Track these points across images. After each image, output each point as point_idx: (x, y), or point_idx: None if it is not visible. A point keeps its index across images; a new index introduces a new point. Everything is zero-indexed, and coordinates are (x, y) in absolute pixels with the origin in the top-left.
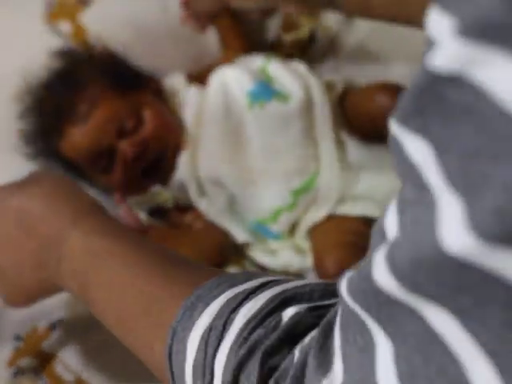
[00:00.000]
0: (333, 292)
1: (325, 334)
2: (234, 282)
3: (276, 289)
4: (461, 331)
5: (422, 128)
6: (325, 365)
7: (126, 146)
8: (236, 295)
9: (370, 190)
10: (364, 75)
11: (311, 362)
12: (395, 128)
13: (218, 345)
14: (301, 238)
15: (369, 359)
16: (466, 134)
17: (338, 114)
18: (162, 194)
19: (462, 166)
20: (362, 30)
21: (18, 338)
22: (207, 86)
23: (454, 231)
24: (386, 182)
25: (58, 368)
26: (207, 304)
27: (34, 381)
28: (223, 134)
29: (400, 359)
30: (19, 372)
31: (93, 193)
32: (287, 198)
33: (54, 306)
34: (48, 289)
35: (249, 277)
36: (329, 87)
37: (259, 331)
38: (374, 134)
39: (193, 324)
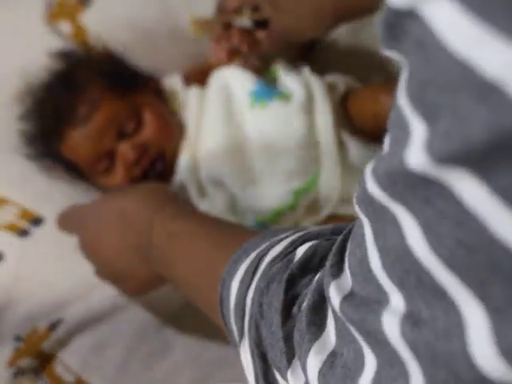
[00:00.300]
0: None
1: (340, 249)
2: (276, 233)
3: (301, 232)
4: (425, 242)
5: (398, 50)
6: (338, 269)
7: (126, 148)
8: (271, 242)
9: None
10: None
11: (327, 272)
12: (387, 53)
13: (249, 285)
14: None
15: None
16: (419, 64)
17: (339, 114)
18: None
19: (419, 91)
20: (365, 34)
21: (18, 338)
22: (206, 86)
23: (416, 152)
24: None
25: (58, 368)
26: (248, 254)
27: (34, 381)
28: (224, 134)
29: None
30: (19, 372)
31: (96, 193)
32: (288, 197)
33: (54, 305)
34: (152, 277)
35: (290, 228)
36: (331, 87)
37: (277, 265)
38: (376, 134)
39: (236, 271)
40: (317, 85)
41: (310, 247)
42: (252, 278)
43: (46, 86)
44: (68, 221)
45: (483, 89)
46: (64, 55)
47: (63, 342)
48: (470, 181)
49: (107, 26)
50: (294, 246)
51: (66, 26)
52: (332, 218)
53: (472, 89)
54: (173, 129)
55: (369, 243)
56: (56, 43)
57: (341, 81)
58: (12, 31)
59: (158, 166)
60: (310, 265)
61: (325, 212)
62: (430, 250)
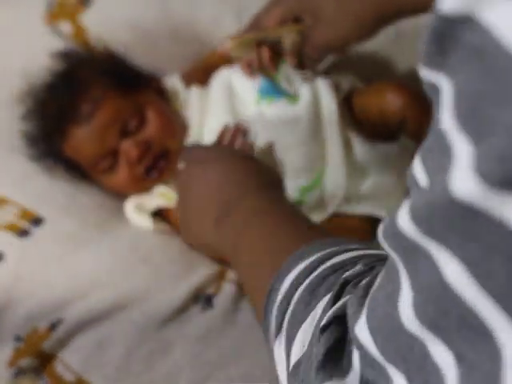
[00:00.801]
0: None
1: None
2: (349, 241)
3: (360, 251)
4: (469, 280)
5: (442, 66)
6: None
7: (129, 146)
8: (338, 249)
9: (375, 189)
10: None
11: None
12: (424, 73)
13: (301, 284)
14: None
15: (393, 298)
16: (475, 75)
17: (344, 112)
18: (166, 194)
19: (471, 107)
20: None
21: (18, 338)
22: (208, 85)
23: (462, 176)
24: (391, 181)
25: (59, 368)
26: (312, 255)
27: (34, 381)
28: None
29: (416, 297)
30: (20, 372)
31: (96, 193)
32: (294, 194)
33: (54, 306)
34: (213, 249)
35: (363, 243)
36: (335, 86)
37: (334, 275)
38: (382, 132)
39: (293, 268)
40: (322, 84)
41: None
42: (305, 279)
43: (48, 86)
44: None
45: None
46: (65, 55)
47: (63, 342)
48: None
49: (107, 26)
50: (368, 265)
51: (66, 26)
52: (336, 216)
53: None
54: (176, 127)
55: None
56: (56, 43)
57: (345, 80)
58: (12, 31)
59: (160, 164)
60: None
61: (330, 209)
62: (478, 287)
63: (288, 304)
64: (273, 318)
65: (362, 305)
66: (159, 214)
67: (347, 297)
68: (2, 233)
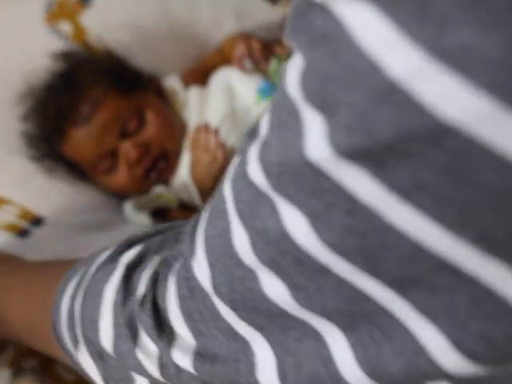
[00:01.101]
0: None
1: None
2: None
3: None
4: (309, 230)
5: (296, 45)
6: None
7: (128, 147)
8: (95, 255)
9: None
10: None
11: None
12: (288, 42)
13: (76, 295)
14: None
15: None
16: (323, 58)
17: None
18: (165, 195)
19: (319, 85)
20: None
21: None
22: (207, 86)
23: (316, 143)
24: None
25: (59, 368)
26: (77, 271)
27: (34, 381)
28: (227, 133)
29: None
30: (20, 372)
31: (96, 193)
32: None
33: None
34: None
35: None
36: None
37: (104, 269)
38: None
39: (65, 290)
40: None
41: (143, 247)
42: (78, 289)
43: (48, 87)
44: None
45: (388, 88)
46: (65, 55)
47: None
48: (365, 177)
49: (107, 26)
50: (120, 250)
51: (66, 26)
52: None
53: (376, 87)
54: (175, 128)
55: (234, 223)
56: (56, 43)
57: None
58: (12, 31)
59: (160, 165)
60: (145, 259)
61: None
62: (316, 236)
63: (72, 319)
64: (67, 341)
65: (193, 242)
66: (159, 214)
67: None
68: (1, 233)
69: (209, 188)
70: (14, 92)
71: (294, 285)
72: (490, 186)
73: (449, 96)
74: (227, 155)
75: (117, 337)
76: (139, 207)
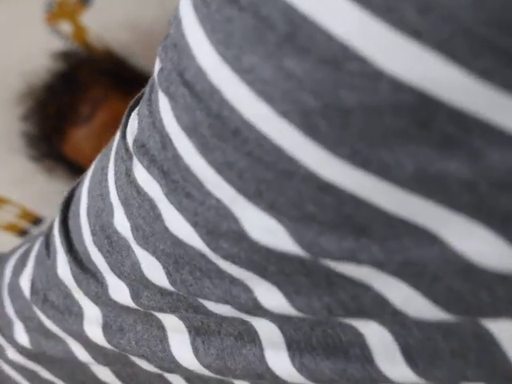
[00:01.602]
0: None
1: None
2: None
3: None
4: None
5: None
6: None
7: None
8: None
9: None
10: None
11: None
12: None
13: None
14: None
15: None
16: (171, 61)
17: None
18: None
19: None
20: None
21: None
22: None
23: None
24: None
25: None
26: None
27: None
28: None
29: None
30: None
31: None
32: None
33: None
34: None
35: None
36: None
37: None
38: None
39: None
40: None
41: None
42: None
43: (48, 87)
44: None
45: None
46: (65, 55)
47: None
48: None
49: (107, 26)
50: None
51: (66, 26)
52: None
53: None
54: None
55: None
56: (56, 43)
57: None
58: (12, 31)
59: None
60: None
61: None
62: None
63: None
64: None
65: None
66: None
67: None
68: (1, 233)
69: None
70: (14, 92)
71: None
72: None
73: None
74: None
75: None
76: None
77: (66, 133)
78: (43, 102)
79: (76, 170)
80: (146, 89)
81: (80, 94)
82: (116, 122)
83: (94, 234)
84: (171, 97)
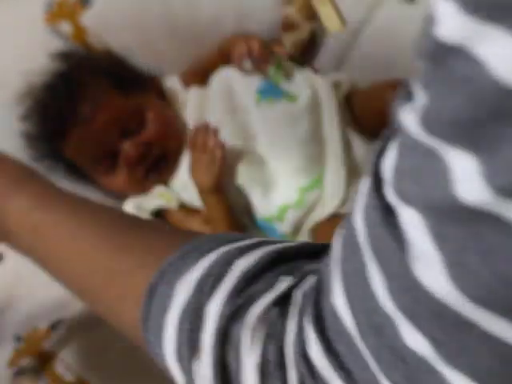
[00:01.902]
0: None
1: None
2: (228, 238)
3: (268, 247)
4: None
5: (427, 82)
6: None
7: (129, 147)
8: (230, 250)
9: None
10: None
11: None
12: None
13: (212, 293)
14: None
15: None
16: (460, 101)
17: (344, 112)
18: (165, 195)
19: (466, 126)
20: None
21: (18, 338)
22: (207, 86)
23: (472, 186)
24: None
25: (59, 368)
26: (202, 254)
27: (34, 381)
28: (228, 132)
29: None
30: (20, 372)
31: (97, 194)
32: (294, 194)
33: (54, 305)
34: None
35: (243, 236)
36: (335, 86)
37: (256, 286)
38: (382, 132)
39: (186, 270)
40: (322, 84)
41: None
42: (217, 286)
43: (48, 87)
44: None
45: None
46: (65, 55)
47: (64, 342)
48: None
49: (107, 26)
50: (266, 262)
51: (65, 26)
52: (335, 217)
53: None
54: (176, 128)
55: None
56: (56, 43)
57: (345, 79)
58: (12, 31)
59: (160, 166)
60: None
61: (329, 210)
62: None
63: (201, 319)
64: (166, 342)
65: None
66: (158, 215)
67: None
68: None
69: (208, 188)
70: (14, 92)
71: (435, 339)
72: None
73: None
74: (226, 155)
75: None
76: (139, 207)
77: (66, 133)
78: (43, 102)
79: (76, 170)
80: None
81: (80, 94)
82: (116, 122)
83: None
84: None
